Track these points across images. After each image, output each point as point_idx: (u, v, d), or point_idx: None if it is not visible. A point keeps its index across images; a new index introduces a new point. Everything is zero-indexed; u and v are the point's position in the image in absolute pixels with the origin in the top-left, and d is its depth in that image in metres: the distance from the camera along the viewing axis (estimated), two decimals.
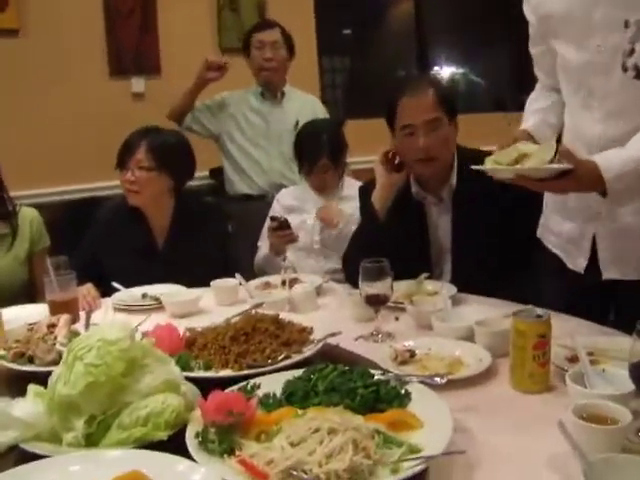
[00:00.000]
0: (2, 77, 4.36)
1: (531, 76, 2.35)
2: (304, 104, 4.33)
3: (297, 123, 4.10)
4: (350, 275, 2.61)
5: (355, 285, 2.18)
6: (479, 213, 2.47)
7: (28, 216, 3.02)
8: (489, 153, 2.01)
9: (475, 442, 1.40)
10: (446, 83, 4.19)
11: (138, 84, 5.11)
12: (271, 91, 4.26)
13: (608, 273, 2.08)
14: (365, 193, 2.73)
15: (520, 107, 2.43)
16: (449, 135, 2.57)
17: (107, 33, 4.95)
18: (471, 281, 2.40)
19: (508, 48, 6.57)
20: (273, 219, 3.14)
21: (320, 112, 4.33)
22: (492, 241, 2.46)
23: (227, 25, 5.33)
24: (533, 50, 2.25)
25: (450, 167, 2.61)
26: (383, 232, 2.55)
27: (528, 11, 2.15)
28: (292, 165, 3.97)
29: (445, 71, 6.79)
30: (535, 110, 2.27)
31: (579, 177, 1.80)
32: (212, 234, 3.04)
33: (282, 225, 3.06)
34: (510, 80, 6.75)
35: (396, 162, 2.61)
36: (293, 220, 3.18)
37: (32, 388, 1.51)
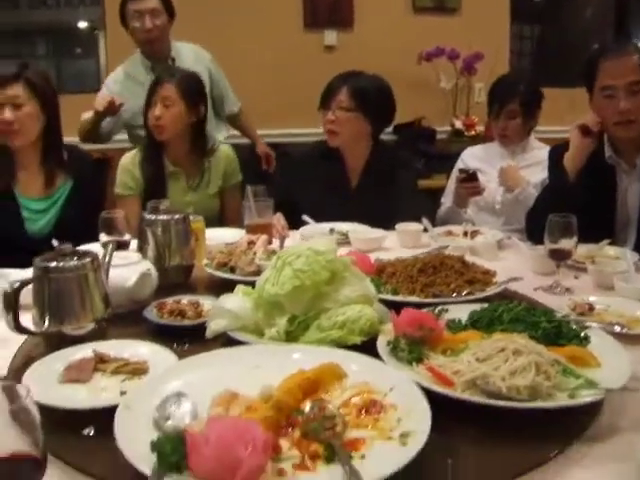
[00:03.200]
0: (208, 26, 4.63)
1: None
2: (197, 59, 3.98)
3: None
4: (532, 232, 2.64)
5: (536, 243, 2.21)
6: None
7: (224, 153, 3.25)
8: None
9: None
10: None
11: (331, 37, 5.27)
12: (161, 61, 3.83)
13: None
14: (556, 154, 2.74)
15: None
16: None
17: None
18: None
19: None
20: (462, 171, 3.22)
21: (207, 56, 4.06)
22: None
23: None
24: None
25: None
26: (571, 193, 2.55)
27: None
28: (212, 122, 3.81)
29: None
30: None
31: None
32: (402, 183, 3.13)
33: (470, 177, 3.13)
34: None
35: (594, 129, 2.61)
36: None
37: (240, 287, 1.69)
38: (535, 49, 6.40)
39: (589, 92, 2.62)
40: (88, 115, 3.64)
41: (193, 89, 3.10)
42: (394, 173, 3.14)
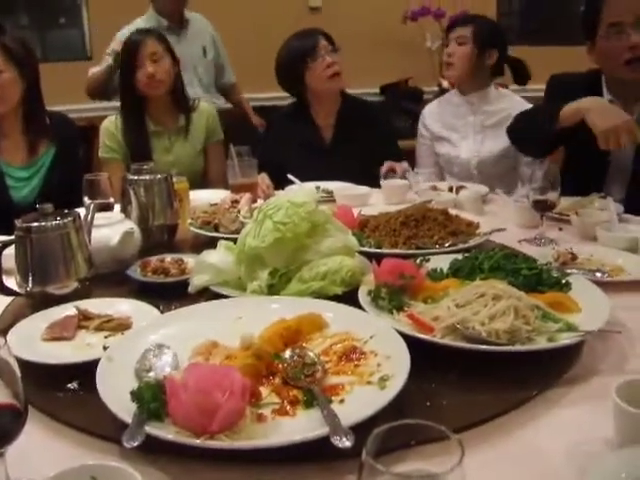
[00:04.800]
0: None
1: None
2: (203, 26, 4.18)
3: (204, 49, 4.06)
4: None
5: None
6: None
7: (205, 111, 3.26)
8: None
9: (630, 335, 1.44)
10: None
11: None
12: (176, 21, 4.00)
13: None
14: (557, 86, 2.74)
15: None
16: None
17: None
18: None
19: None
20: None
21: (210, 24, 4.22)
22: None
23: None
24: None
25: None
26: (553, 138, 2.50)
27: None
28: (212, 90, 4.06)
29: None
30: None
31: None
32: (377, 128, 3.18)
33: None
34: None
35: None
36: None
37: (223, 243, 1.70)
38: (524, 8, 6.35)
39: (590, 40, 2.55)
40: (98, 69, 3.75)
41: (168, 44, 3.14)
42: (368, 121, 3.16)
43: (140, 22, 3.92)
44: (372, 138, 3.13)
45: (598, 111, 2.28)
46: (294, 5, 5.14)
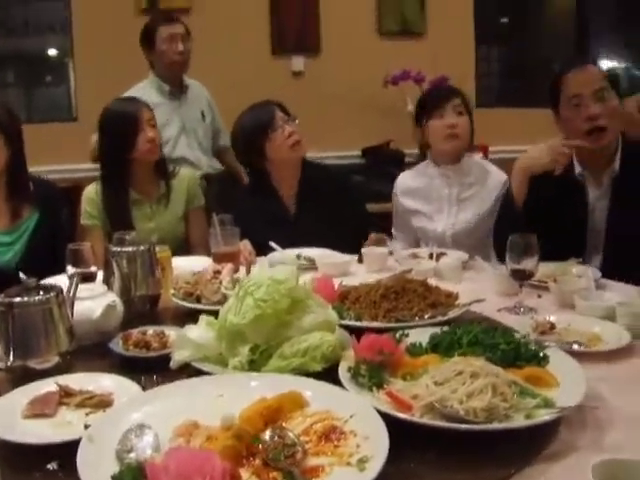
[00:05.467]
0: None
1: None
2: (200, 92, 4.28)
3: (202, 113, 4.15)
4: (498, 251, 2.66)
5: (503, 260, 2.23)
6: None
7: (185, 177, 3.27)
8: None
9: (608, 407, 1.45)
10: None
11: (298, 63, 5.34)
12: (177, 86, 4.09)
13: None
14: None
15: None
16: (617, 107, 2.58)
17: (271, 13, 5.21)
18: (622, 270, 2.39)
19: None
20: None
21: (205, 90, 4.31)
22: None
23: (387, 9, 5.45)
24: None
25: (615, 150, 2.62)
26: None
27: None
28: (209, 154, 4.17)
29: (605, 64, 6.62)
30: None
31: None
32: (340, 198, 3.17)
33: None
34: None
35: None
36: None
37: (204, 318, 1.71)
38: (502, 70, 6.50)
39: (555, 111, 2.67)
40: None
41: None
42: (332, 186, 3.17)
43: (142, 86, 4.02)
44: (339, 203, 3.12)
45: (526, 155, 2.65)
46: (278, 70, 5.22)
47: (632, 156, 2.61)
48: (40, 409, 1.44)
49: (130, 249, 2.13)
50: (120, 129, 3.01)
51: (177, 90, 4.08)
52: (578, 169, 2.68)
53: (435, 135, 3.09)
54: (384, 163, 5.00)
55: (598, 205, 2.68)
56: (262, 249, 2.82)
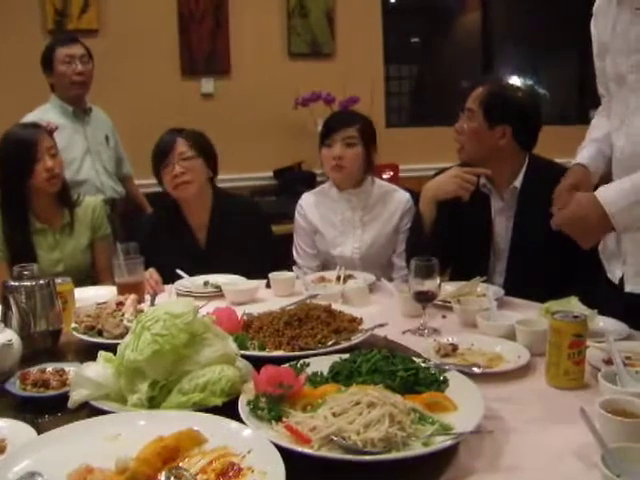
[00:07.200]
0: None
1: (597, 89, 2.35)
2: (104, 116, 4.26)
3: (107, 137, 4.15)
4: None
5: None
6: (541, 218, 2.52)
7: (90, 205, 3.19)
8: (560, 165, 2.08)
9: (505, 427, 1.49)
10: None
11: (207, 85, 5.32)
12: (81, 107, 4.04)
13: (630, 286, 2.14)
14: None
15: (584, 120, 2.47)
16: (479, 130, 2.67)
17: (180, 35, 5.18)
18: (524, 284, 2.48)
19: (575, 60, 6.60)
20: None
21: (110, 121, 4.28)
22: (551, 247, 2.47)
23: (297, 31, 5.49)
24: (596, 64, 2.25)
25: (519, 167, 2.71)
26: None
27: (592, 25, 2.21)
28: (114, 178, 4.14)
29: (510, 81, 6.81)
30: (592, 140, 2.30)
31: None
32: (251, 228, 3.16)
33: None
34: (576, 93, 6.75)
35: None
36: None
37: (102, 354, 1.67)
38: (412, 89, 6.61)
39: None
40: None
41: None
42: (242, 220, 3.14)
43: (44, 108, 3.95)
44: (249, 232, 3.10)
45: (432, 185, 2.74)
46: (187, 92, 5.19)
47: (535, 172, 2.70)
48: None
49: (28, 283, 2.07)
50: (17, 156, 2.92)
51: (81, 112, 4.02)
52: (483, 180, 2.76)
53: (324, 163, 3.15)
54: (296, 184, 5.00)
55: (500, 219, 2.76)
56: (171, 277, 2.79)
